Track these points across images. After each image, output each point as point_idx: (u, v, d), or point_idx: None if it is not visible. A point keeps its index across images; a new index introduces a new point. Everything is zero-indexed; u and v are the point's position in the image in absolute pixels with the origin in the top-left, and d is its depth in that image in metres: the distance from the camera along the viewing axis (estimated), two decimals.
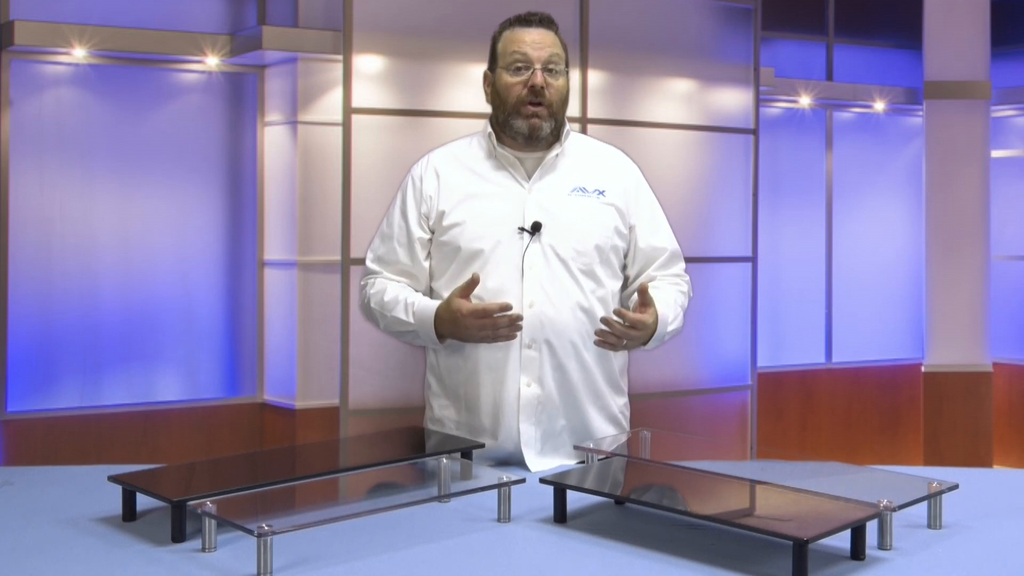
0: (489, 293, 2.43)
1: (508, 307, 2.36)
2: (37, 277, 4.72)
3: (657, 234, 2.60)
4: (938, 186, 6.71)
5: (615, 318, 2.37)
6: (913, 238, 7.05)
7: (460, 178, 2.54)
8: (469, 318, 2.37)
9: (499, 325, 2.36)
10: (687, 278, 2.63)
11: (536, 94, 2.47)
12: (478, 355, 2.48)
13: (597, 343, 2.42)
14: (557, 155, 2.54)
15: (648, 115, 5.57)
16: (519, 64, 2.49)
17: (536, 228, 2.46)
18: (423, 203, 2.54)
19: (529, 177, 2.52)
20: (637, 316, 2.37)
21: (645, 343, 2.44)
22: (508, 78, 2.50)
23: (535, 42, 2.50)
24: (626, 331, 2.36)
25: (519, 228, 2.46)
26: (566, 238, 2.48)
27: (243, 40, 4.93)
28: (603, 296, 2.51)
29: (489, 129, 2.57)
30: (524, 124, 2.48)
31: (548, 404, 2.48)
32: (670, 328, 2.50)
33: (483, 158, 2.56)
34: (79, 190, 4.84)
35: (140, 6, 4.93)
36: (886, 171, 7.10)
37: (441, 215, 2.52)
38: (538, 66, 2.47)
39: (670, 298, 2.53)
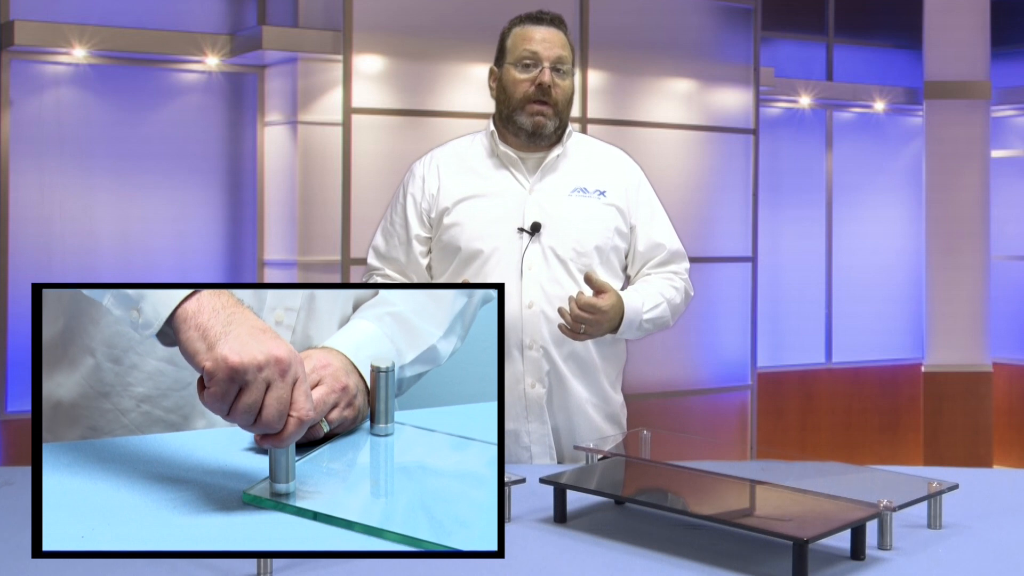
0: None
1: None
2: (37, 277, 4.72)
3: (656, 233, 2.58)
4: (938, 186, 6.71)
5: (572, 307, 2.34)
6: (913, 238, 7.05)
7: (461, 177, 2.54)
8: None
9: None
10: (686, 277, 2.60)
11: (543, 92, 2.47)
12: None
13: (560, 328, 2.38)
14: (558, 155, 2.54)
15: (648, 115, 5.58)
16: (528, 61, 2.48)
17: (535, 229, 2.46)
18: (424, 200, 2.54)
19: (530, 177, 2.52)
20: (587, 300, 2.33)
21: (615, 330, 2.40)
22: (516, 74, 2.50)
23: (545, 40, 2.49)
24: (579, 314, 2.32)
25: (519, 228, 2.47)
26: (565, 239, 2.47)
27: (243, 40, 4.93)
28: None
29: (492, 127, 2.56)
30: (528, 121, 2.48)
31: (551, 404, 2.48)
32: (647, 316, 2.45)
33: (485, 156, 2.56)
34: (79, 190, 4.84)
35: (140, 6, 4.93)
36: (886, 171, 7.10)
37: (442, 214, 2.51)
38: (547, 64, 2.47)
39: (651, 288, 2.50)
